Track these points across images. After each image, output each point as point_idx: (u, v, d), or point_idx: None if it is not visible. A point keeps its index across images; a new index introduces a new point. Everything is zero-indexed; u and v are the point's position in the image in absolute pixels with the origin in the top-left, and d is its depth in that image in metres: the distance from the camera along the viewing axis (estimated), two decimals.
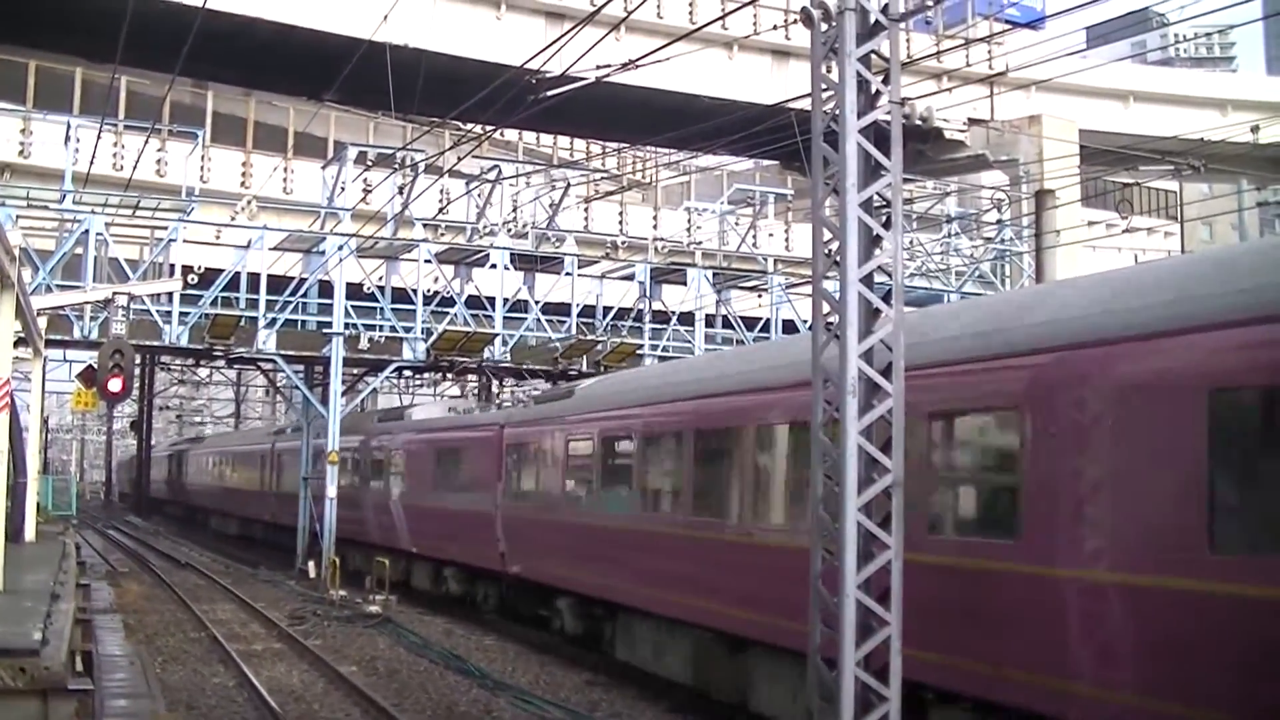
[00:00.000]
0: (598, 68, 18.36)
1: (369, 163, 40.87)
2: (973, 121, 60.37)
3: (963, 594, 12.85)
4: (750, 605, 17.02)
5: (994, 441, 13.66)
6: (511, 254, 40.34)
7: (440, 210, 43.15)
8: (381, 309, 38.91)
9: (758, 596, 16.84)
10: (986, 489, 13.78)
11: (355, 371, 41.50)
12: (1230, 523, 10.55)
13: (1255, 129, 47.53)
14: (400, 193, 39.71)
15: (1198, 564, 10.43)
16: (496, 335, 39.02)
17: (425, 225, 41.53)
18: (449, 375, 51.97)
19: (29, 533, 27.80)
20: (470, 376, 51.22)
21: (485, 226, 42.33)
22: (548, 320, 40.62)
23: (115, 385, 26.67)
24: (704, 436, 18.90)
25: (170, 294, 35.21)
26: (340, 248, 36.93)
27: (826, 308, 12.22)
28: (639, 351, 40.59)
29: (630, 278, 43.14)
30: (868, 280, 11.97)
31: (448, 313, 39.11)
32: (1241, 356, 10.45)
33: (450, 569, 31.59)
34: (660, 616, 20.07)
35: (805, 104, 12.85)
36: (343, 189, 39.45)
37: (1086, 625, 11.60)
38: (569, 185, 45.22)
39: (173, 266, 36.47)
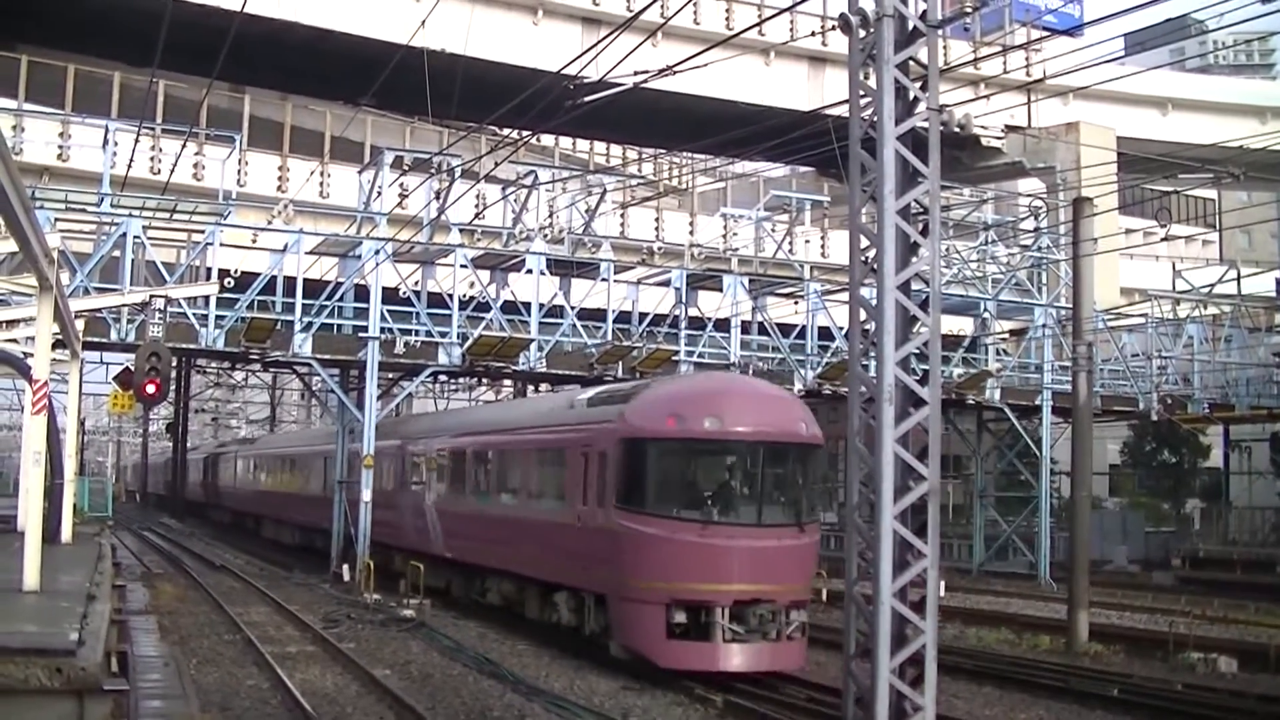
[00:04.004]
0: (635, 74, 18.37)
1: (405, 167, 40.93)
2: (1010, 128, 60.22)
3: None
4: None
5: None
6: (547, 259, 40.28)
7: (476, 215, 43.24)
8: (417, 313, 38.95)
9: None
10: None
11: (391, 376, 41.56)
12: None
13: None
14: (437, 197, 39.78)
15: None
16: (532, 341, 38.97)
17: (461, 230, 41.52)
18: (484, 380, 52.08)
19: (65, 534, 27.95)
20: (505, 381, 51.32)
21: (521, 232, 42.32)
22: (583, 326, 40.57)
23: (152, 388, 26.79)
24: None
25: (207, 297, 35.29)
26: (376, 252, 37.00)
27: (863, 315, 12.18)
28: (675, 358, 40.53)
29: (666, 284, 43.04)
30: (905, 288, 11.94)
31: (483, 318, 39.08)
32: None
33: None
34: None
35: (843, 110, 12.83)
36: (379, 193, 39.50)
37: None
38: (605, 191, 45.17)
39: (209, 270, 36.60)
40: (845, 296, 12.53)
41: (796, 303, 44.35)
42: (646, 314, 42.77)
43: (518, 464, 30.24)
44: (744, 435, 22.76)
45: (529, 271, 39.78)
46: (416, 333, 38.87)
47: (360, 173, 43.23)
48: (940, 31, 12.49)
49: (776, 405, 24.03)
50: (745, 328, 42.94)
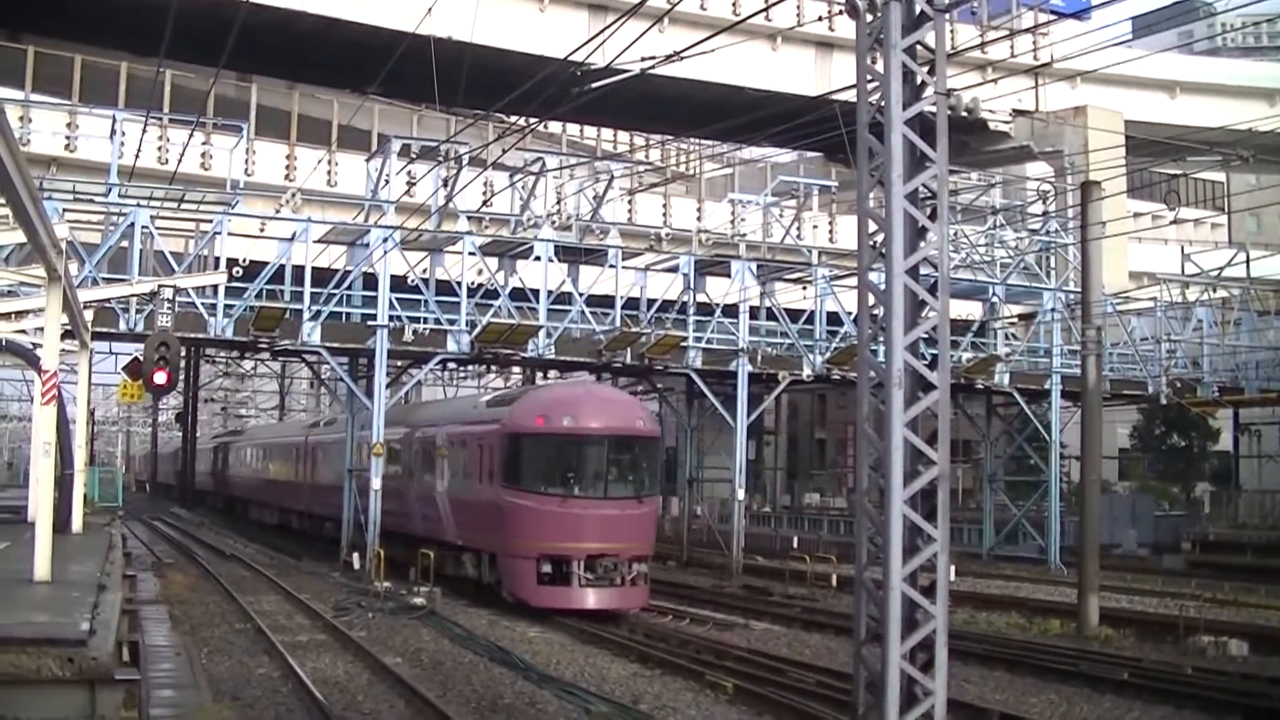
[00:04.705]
0: (642, 60, 18.30)
1: (413, 155, 40.91)
2: (1018, 113, 60.11)
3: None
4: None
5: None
6: (555, 246, 40.27)
7: (484, 203, 43.19)
8: (425, 301, 38.94)
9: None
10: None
11: (399, 364, 41.58)
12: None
13: None
14: (444, 185, 39.76)
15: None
16: (540, 328, 38.97)
17: (469, 218, 41.49)
18: (493, 367, 52.07)
19: (76, 524, 28.03)
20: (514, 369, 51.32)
21: (529, 219, 42.30)
22: (592, 312, 40.58)
23: (161, 378, 26.82)
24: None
25: (215, 286, 35.30)
26: (385, 240, 37.00)
27: (872, 300, 12.14)
28: (683, 344, 40.51)
29: (674, 270, 43.03)
30: (913, 272, 11.89)
31: (492, 305, 39.11)
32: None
33: None
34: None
35: (850, 96, 12.77)
36: (387, 182, 39.52)
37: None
38: (613, 177, 45.13)
39: (218, 259, 36.58)
40: (853, 281, 12.51)
41: (805, 288, 44.32)
42: (655, 300, 42.79)
43: (440, 453, 35.82)
44: (594, 430, 29.92)
45: (537, 258, 39.76)
46: (425, 320, 38.84)
47: (368, 161, 43.27)
48: (948, 15, 12.39)
49: (621, 407, 31.77)
50: (754, 313, 42.94)
